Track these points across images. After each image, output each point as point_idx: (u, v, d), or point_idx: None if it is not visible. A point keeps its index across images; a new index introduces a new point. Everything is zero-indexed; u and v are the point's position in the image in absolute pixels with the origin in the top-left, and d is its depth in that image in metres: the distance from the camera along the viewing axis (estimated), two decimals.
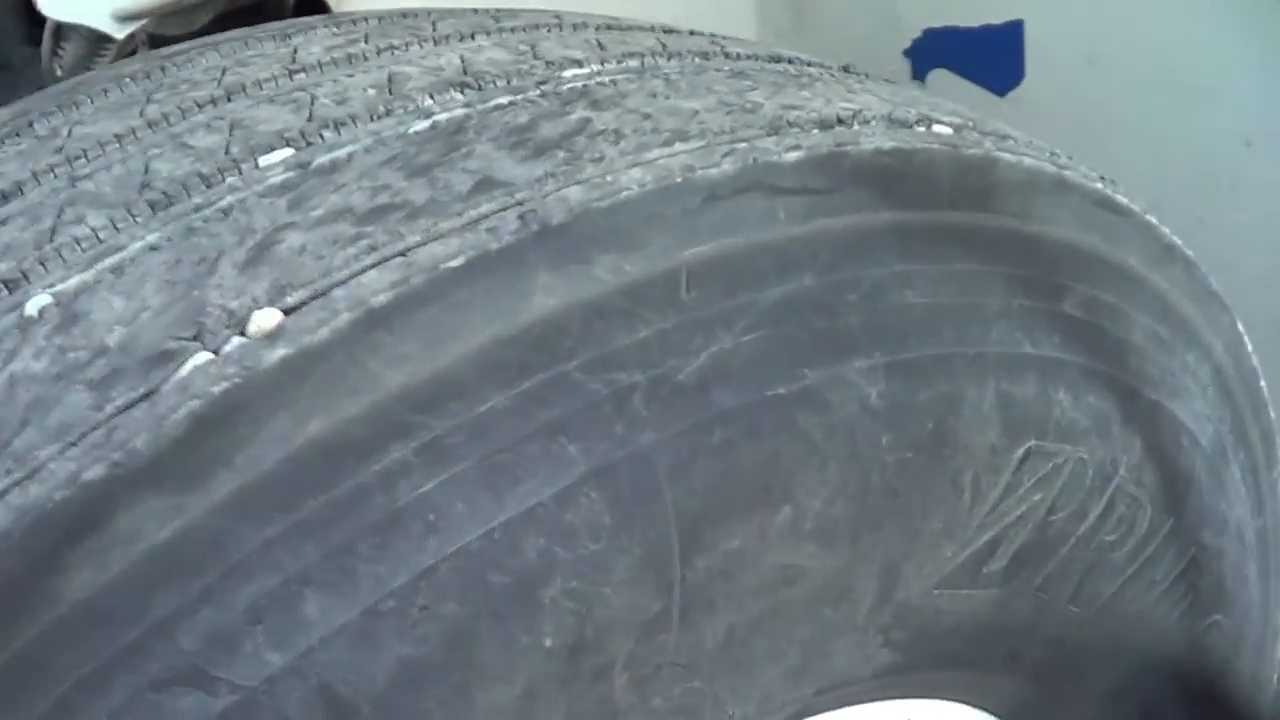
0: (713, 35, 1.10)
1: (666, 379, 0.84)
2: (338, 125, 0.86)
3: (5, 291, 0.78)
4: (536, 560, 0.81)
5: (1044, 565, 1.09)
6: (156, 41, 1.49)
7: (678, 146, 0.85)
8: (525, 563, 0.80)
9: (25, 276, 0.79)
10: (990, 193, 0.98)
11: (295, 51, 0.98)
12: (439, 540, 0.78)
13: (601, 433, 0.82)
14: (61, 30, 1.60)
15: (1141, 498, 1.13)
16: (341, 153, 0.84)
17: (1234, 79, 1.53)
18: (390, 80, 0.91)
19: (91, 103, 0.97)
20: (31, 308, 0.77)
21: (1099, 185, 1.05)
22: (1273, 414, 1.29)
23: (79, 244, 0.80)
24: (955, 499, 1.00)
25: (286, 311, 0.74)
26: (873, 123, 0.93)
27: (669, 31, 1.09)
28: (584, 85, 0.91)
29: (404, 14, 1.09)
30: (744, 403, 0.87)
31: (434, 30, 1.01)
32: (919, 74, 1.83)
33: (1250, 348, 1.24)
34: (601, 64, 0.95)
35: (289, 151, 0.84)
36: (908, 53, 1.83)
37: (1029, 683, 1.17)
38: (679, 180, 0.83)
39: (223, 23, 1.50)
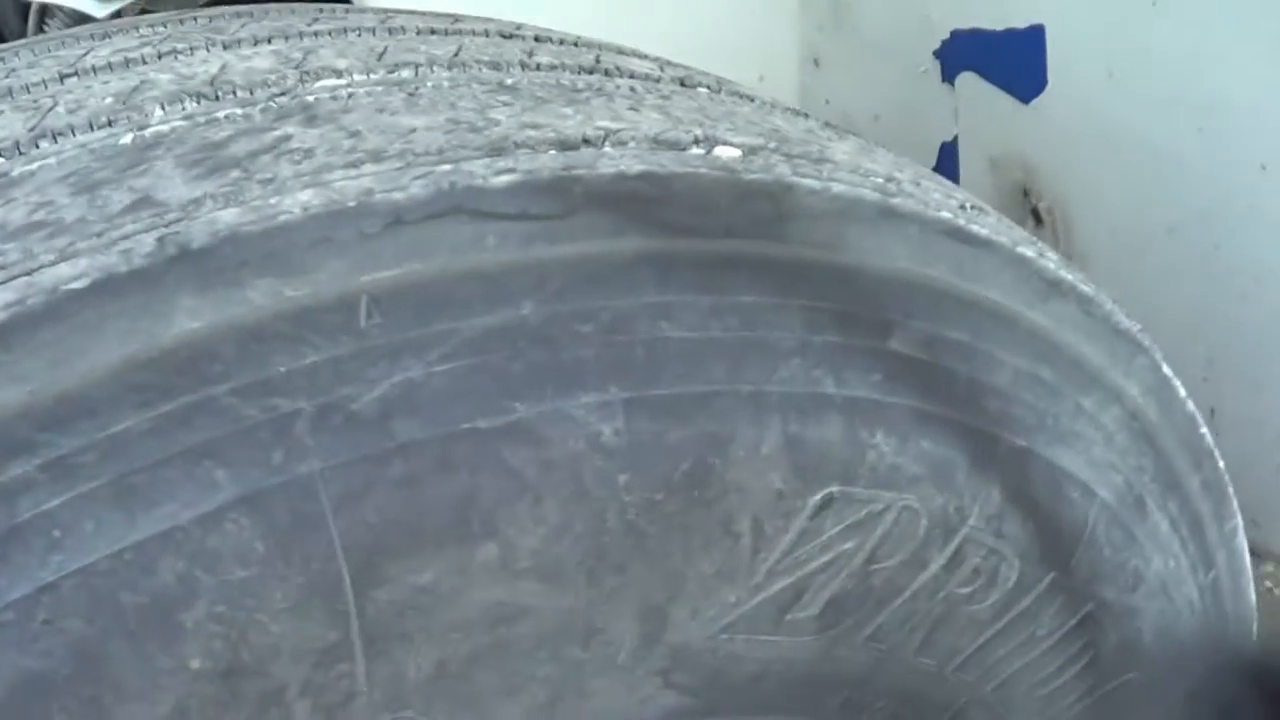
0: (540, 42, 1.06)
1: (337, 407, 0.82)
2: (56, 135, 0.86)
3: None
4: (174, 583, 0.80)
5: (874, 615, 1.03)
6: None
7: (366, 168, 0.82)
8: (161, 585, 0.80)
9: None
10: (785, 221, 0.92)
11: (86, 54, 0.98)
12: (63, 557, 0.78)
13: (255, 459, 0.81)
14: (47, 8, 1.65)
15: (1004, 550, 1.06)
16: (35, 165, 0.84)
17: (1249, 102, 1.41)
18: (135, 89, 0.90)
19: None
20: None
21: (945, 215, 0.97)
22: (1221, 463, 1.18)
23: None
24: (730, 543, 0.95)
25: None
26: (630, 144, 0.88)
27: (507, 37, 1.06)
28: (316, 99, 0.89)
29: (235, 13, 1.08)
30: (433, 435, 0.84)
31: (233, 33, 1.00)
32: (949, 76, 1.74)
33: (1183, 392, 1.14)
34: (367, 74, 0.93)
35: None
36: (938, 54, 1.74)
37: None
38: (352, 204, 0.80)
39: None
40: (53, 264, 0.77)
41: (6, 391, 0.76)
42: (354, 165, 0.82)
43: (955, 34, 1.70)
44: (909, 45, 1.76)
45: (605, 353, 0.87)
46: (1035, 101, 1.63)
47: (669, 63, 1.11)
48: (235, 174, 0.82)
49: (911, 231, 0.96)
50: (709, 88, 1.06)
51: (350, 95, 0.90)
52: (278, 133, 0.85)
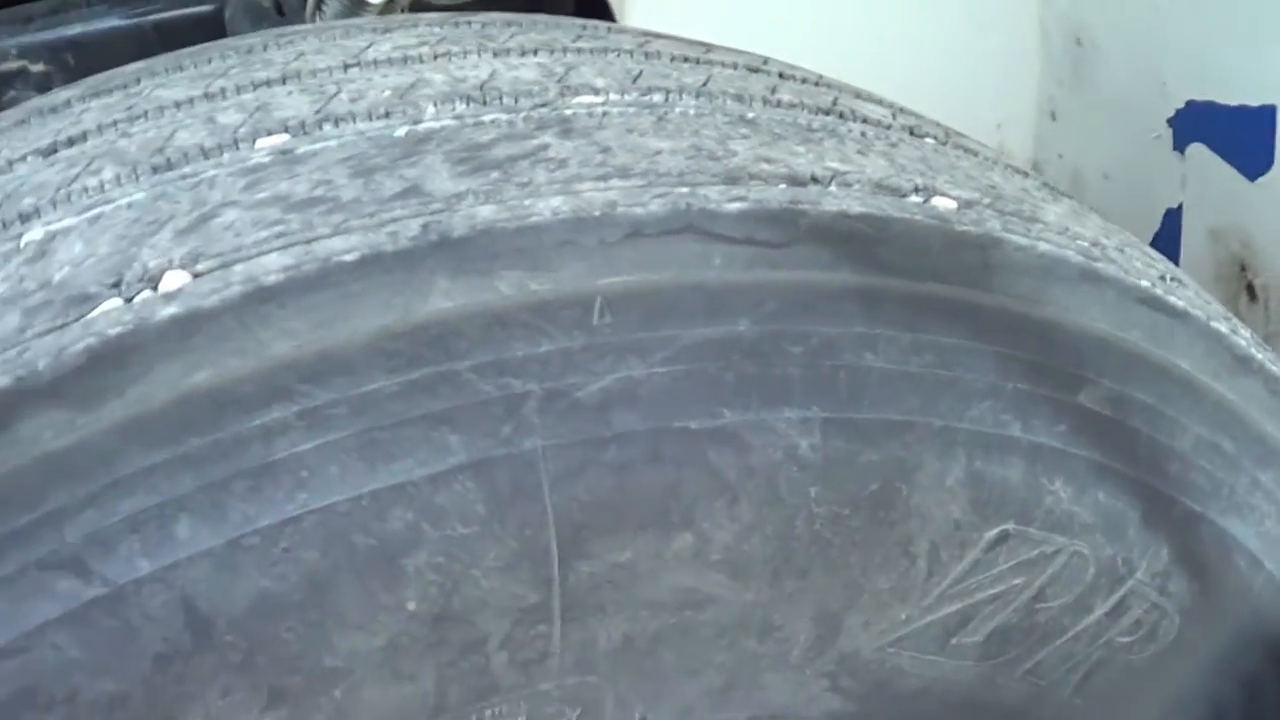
0: (784, 79, 1.14)
1: (564, 394, 0.91)
2: (338, 120, 0.97)
3: (18, 222, 0.93)
4: (402, 531, 0.90)
5: (1035, 651, 1.09)
6: (419, 7, 1.63)
7: (613, 182, 0.91)
8: (390, 531, 0.89)
9: (39, 212, 0.94)
10: (992, 272, 0.99)
11: (369, 47, 1.09)
12: (308, 495, 0.88)
13: (486, 430, 0.90)
14: None
15: (1166, 606, 1.11)
16: (319, 145, 0.94)
17: None
18: (412, 85, 1.01)
19: (193, 68, 1.12)
20: (25, 238, 0.92)
21: (1144, 283, 1.03)
22: None
23: (87, 191, 0.94)
24: (906, 564, 1.02)
25: (195, 276, 0.86)
26: (854, 186, 0.96)
27: (754, 70, 1.14)
28: (573, 113, 0.98)
29: (506, 21, 1.18)
30: (647, 429, 0.93)
31: (503, 41, 1.10)
32: (1179, 145, 1.78)
33: None
34: (621, 94, 1.02)
35: (284, 138, 0.96)
36: (1171, 121, 1.78)
37: None
38: (597, 213, 0.89)
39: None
40: (328, 236, 0.87)
41: (277, 344, 0.86)
42: (602, 179, 0.92)
43: (1190, 104, 1.75)
44: (1144, 110, 1.81)
45: (810, 374, 0.95)
46: (1260, 179, 1.67)
47: (902, 110, 1.19)
48: (495, 175, 0.91)
49: (1110, 295, 1.02)
50: (936, 138, 1.13)
51: (605, 113, 0.99)
52: (537, 141, 0.95)
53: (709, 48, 1.19)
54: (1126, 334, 1.04)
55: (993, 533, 1.03)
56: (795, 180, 0.95)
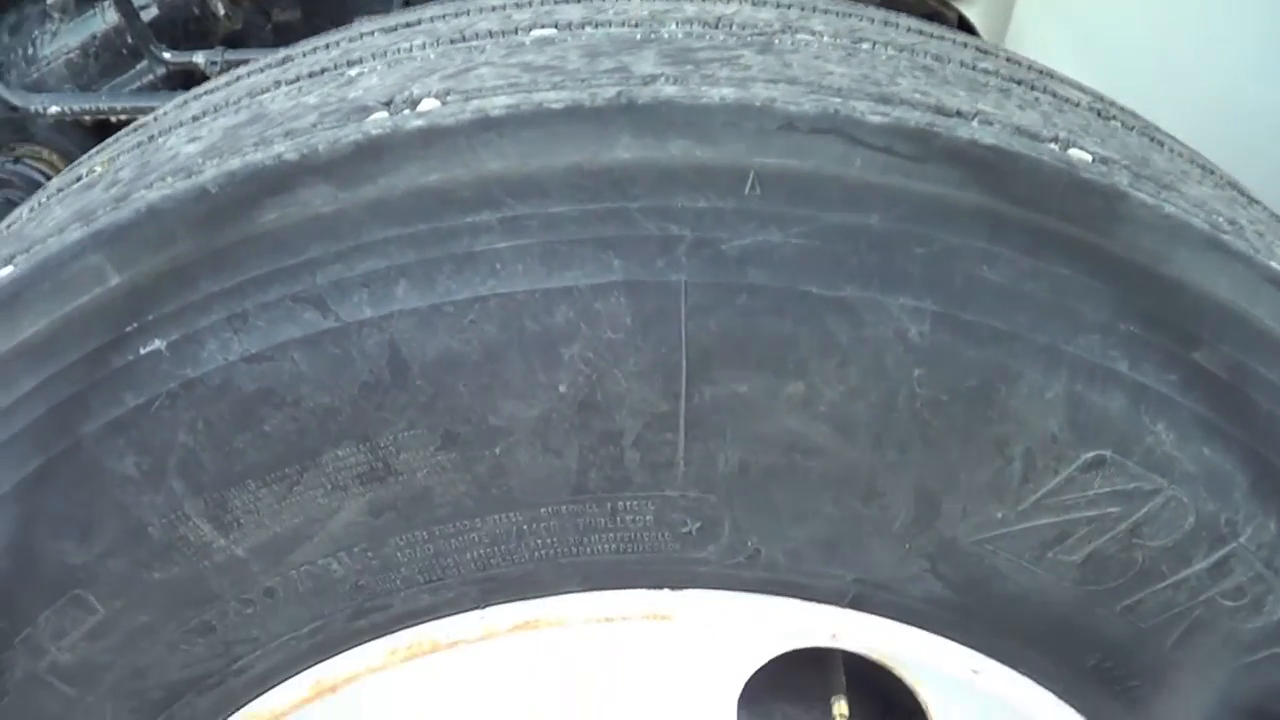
0: (998, 57, 1.31)
1: (711, 243, 1.12)
2: (598, 25, 1.23)
3: (346, 66, 1.24)
4: (563, 325, 1.13)
5: (1134, 589, 1.20)
6: None
7: (780, 87, 1.13)
8: (554, 323, 1.13)
9: (362, 60, 1.25)
10: (1118, 222, 1.13)
11: None
12: (496, 282, 1.13)
13: (643, 260, 1.13)
14: None
15: (1273, 582, 1.19)
16: (572, 38, 1.21)
17: None
18: (667, 10, 1.26)
19: None
20: (347, 73, 1.23)
21: (1275, 265, 1.15)
22: None
23: (399, 51, 1.25)
24: (1002, 463, 1.16)
25: (443, 104, 1.14)
26: (994, 125, 1.13)
27: (982, 51, 1.32)
28: (779, 43, 1.20)
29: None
30: (774, 285, 1.13)
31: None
32: None
33: None
34: (833, 38, 1.23)
35: (552, 30, 1.23)
36: None
37: (1136, 713, 1.26)
38: (757, 105, 1.11)
39: None
40: (544, 90, 1.13)
41: (492, 163, 1.12)
42: (773, 82, 1.13)
43: None
44: None
45: (929, 273, 1.13)
46: None
47: (1109, 100, 1.33)
48: (688, 68, 1.14)
49: (1236, 269, 1.14)
50: (1124, 124, 1.28)
51: (805, 44, 1.21)
52: (743, 56, 1.17)
53: (954, 32, 1.38)
54: (1253, 309, 1.15)
55: (1089, 455, 1.16)
56: (941, 111, 1.13)
